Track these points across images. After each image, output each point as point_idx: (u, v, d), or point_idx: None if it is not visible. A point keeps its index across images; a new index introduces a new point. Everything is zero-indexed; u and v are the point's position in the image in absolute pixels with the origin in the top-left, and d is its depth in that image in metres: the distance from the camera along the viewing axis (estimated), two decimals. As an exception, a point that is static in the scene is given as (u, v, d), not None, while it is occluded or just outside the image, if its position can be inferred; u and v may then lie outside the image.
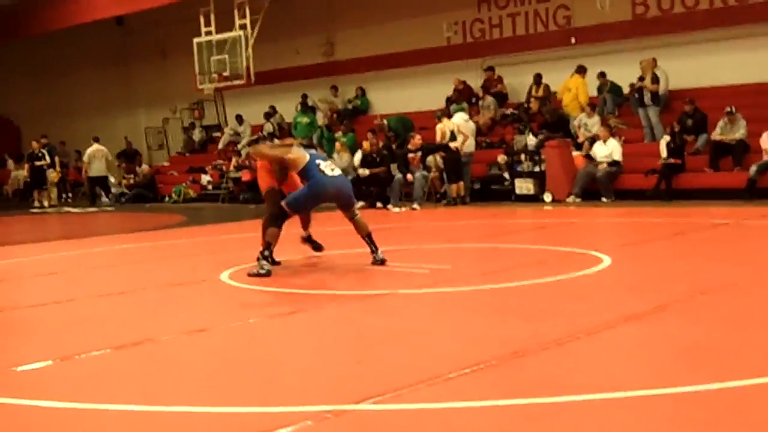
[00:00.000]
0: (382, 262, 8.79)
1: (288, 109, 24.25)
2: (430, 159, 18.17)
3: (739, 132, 15.91)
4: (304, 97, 23.89)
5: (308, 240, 9.77)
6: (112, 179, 25.91)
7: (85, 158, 24.91)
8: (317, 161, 8.70)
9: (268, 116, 24.55)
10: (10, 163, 28.49)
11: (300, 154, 8.74)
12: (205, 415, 4.12)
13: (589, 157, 17.11)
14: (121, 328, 6.50)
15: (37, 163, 24.39)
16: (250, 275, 8.30)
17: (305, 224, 9.59)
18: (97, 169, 24.82)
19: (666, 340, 5.29)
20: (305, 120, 22.96)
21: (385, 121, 19.71)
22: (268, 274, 8.27)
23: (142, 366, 5.28)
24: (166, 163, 27.60)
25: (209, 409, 4.19)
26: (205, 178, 24.14)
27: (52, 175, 24.80)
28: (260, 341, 5.92)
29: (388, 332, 5.84)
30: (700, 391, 4.09)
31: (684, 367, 4.62)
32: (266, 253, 8.48)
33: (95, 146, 25.01)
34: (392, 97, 22.84)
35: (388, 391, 4.21)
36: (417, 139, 17.78)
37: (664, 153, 16.74)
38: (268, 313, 6.66)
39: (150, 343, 5.78)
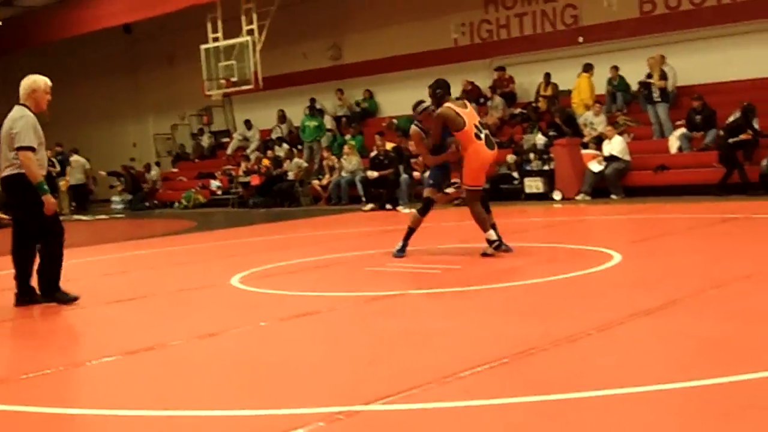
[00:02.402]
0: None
1: (296, 113, 24.27)
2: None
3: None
4: (312, 100, 23.90)
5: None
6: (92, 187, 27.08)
7: (67, 169, 25.62)
8: None
9: (280, 120, 24.59)
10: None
11: None
12: (217, 419, 4.12)
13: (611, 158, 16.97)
14: (132, 333, 6.50)
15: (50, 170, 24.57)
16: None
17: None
18: (77, 179, 25.96)
19: (678, 335, 5.27)
20: (313, 123, 23.00)
21: (395, 121, 19.68)
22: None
23: (154, 371, 5.28)
24: (174, 170, 27.65)
25: (221, 413, 4.19)
26: (214, 184, 24.18)
27: (62, 183, 24.92)
28: (271, 344, 5.91)
29: (400, 333, 5.84)
30: (715, 384, 4.08)
31: (697, 361, 4.61)
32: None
33: (75, 157, 26.30)
34: (400, 99, 22.72)
35: (400, 391, 4.20)
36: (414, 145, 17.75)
37: (673, 149, 16.72)
38: (280, 316, 6.66)
39: (161, 348, 5.78)
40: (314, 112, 23.52)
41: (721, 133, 15.79)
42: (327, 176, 20.96)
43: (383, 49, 22.85)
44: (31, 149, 7.45)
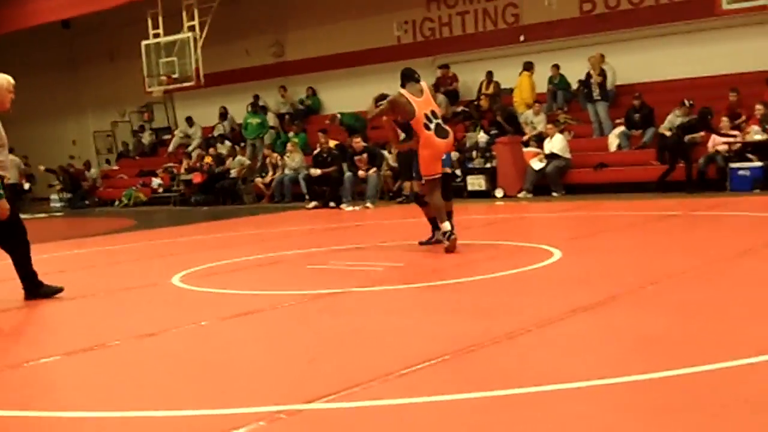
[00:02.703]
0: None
1: (239, 110, 24.11)
2: (389, 156, 18.24)
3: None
4: (256, 97, 23.77)
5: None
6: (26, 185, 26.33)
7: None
8: None
9: (222, 117, 24.46)
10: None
11: None
12: (157, 419, 4.08)
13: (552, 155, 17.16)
14: (71, 334, 6.42)
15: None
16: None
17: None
18: (12, 176, 24.94)
19: (616, 331, 5.34)
20: (256, 120, 22.89)
21: (338, 116, 19.67)
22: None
23: (94, 372, 5.21)
24: (115, 167, 27.30)
25: (161, 413, 4.14)
26: (155, 182, 23.92)
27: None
28: (213, 343, 5.87)
29: (342, 331, 5.84)
30: (652, 379, 4.13)
31: (634, 357, 4.67)
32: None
33: (11, 156, 25.01)
34: (344, 97, 22.77)
35: (341, 390, 4.20)
36: (358, 142, 17.81)
37: (612, 147, 16.95)
38: (221, 315, 6.61)
39: (101, 348, 5.70)
40: (257, 109, 23.41)
41: (667, 132, 16.02)
42: (270, 174, 20.86)
43: (326, 46, 22.82)
44: None
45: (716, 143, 15.45)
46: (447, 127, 9.45)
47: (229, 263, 9.65)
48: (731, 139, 15.28)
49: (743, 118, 15.67)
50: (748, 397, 3.81)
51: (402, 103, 9.17)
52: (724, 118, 15.64)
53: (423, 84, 9.47)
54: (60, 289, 7.87)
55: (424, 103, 9.23)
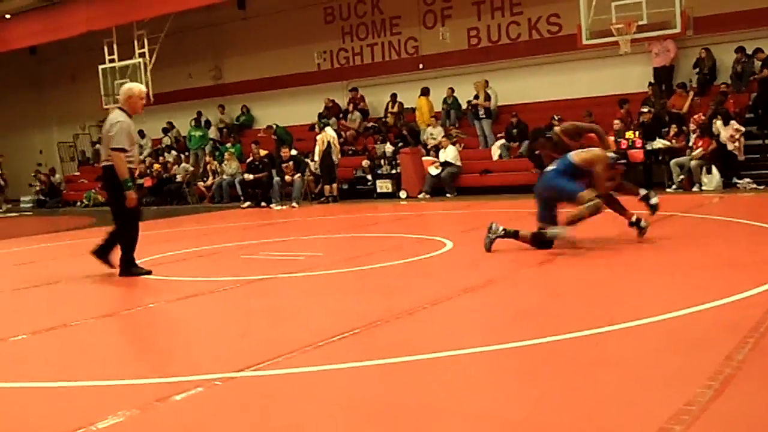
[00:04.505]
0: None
1: (184, 125, 23.72)
2: (312, 164, 18.15)
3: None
4: (199, 113, 23.42)
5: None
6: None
7: None
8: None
9: (165, 131, 24.08)
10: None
11: None
12: (112, 388, 3.97)
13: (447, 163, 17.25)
14: (37, 315, 6.21)
15: None
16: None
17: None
18: None
19: (498, 306, 5.42)
20: (199, 133, 22.62)
21: (274, 126, 19.59)
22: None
23: (56, 348, 5.05)
24: (77, 173, 26.55)
25: (115, 382, 4.04)
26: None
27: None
28: (159, 322, 5.76)
29: (268, 310, 5.78)
30: (525, 345, 4.20)
31: (513, 327, 4.74)
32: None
33: None
34: (273, 114, 22.59)
35: (268, 360, 4.16)
36: (286, 152, 17.73)
37: (495, 156, 17.17)
38: (167, 299, 6.48)
39: (63, 327, 5.53)
40: (199, 123, 23.10)
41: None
42: (210, 178, 20.57)
43: (258, 71, 22.64)
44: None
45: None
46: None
47: (175, 254, 9.47)
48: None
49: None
50: (606, 358, 3.91)
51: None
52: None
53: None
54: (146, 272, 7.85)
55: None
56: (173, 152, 22.87)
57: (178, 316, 5.92)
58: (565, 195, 7.60)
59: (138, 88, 7.77)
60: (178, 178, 21.30)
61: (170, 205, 20.77)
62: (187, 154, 22.55)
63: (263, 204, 17.40)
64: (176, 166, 21.83)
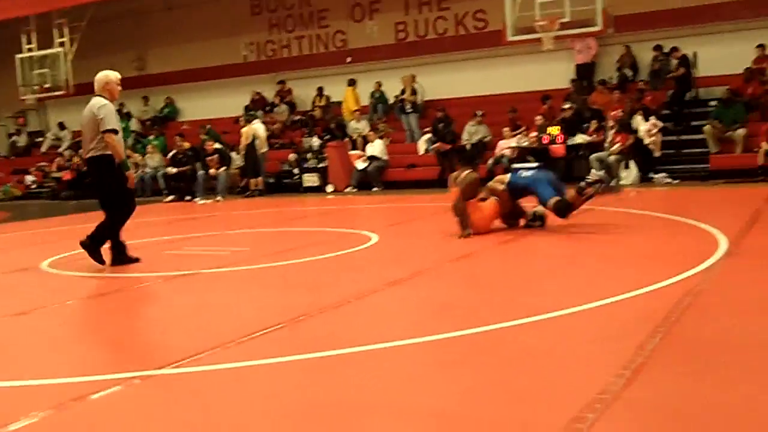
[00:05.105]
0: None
1: (105, 117, 23.12)
2: (236, 157, 17.95)
3: (484, 132, 16.78)
4: (121, 105, 22.85)
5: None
6: None
7: None
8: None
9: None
10: None
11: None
12: (26, 388, 3.86)
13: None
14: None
15: None
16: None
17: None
18: None
19: (421, 300, 5.47)
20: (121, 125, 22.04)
21: (208, 126, 19.31)
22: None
23: (-34, 347, 4.88)
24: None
25: (29, 382, 3.93)
26: (29, 179, 22.62)
27: None
28: (77, 320, 5.63)
29: (191, 306, 5.70)
30: (447, 338, 4.25)
31: (435, 320, 4.80)
32: None
33: None
34: (198, 106, 22.31)
35: (188, 356, 4.11)
36: (210, 145, 17.50)
37: (421, 151, 17.29)
38: (84, 295, 6.34)
39: (-26, 326, 5.35)
40: (122, 115, 22.52)
41: (465, 142, 16.56)
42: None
43: (183, 62, 22.26)
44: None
45: (502, 148, 16.03)
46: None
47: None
48: (514, 145, 15.93)
49: (523, 128, 16.33)
50: (525, 349, 3.99)
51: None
52: (505, 129, 16.29)
53: (465, 173, 8.55)
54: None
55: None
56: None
57: (96, 314, 5.79)
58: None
59: (114, 74, 7.82)
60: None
61: (90, 199, 20.23)
62: (108, 146, 22.01)
63: (187, 198, 17.15)
64: (97, 159, 21.32)
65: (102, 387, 3.70)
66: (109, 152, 7.48)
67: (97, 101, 7.57)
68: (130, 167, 7.74)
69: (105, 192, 7.66)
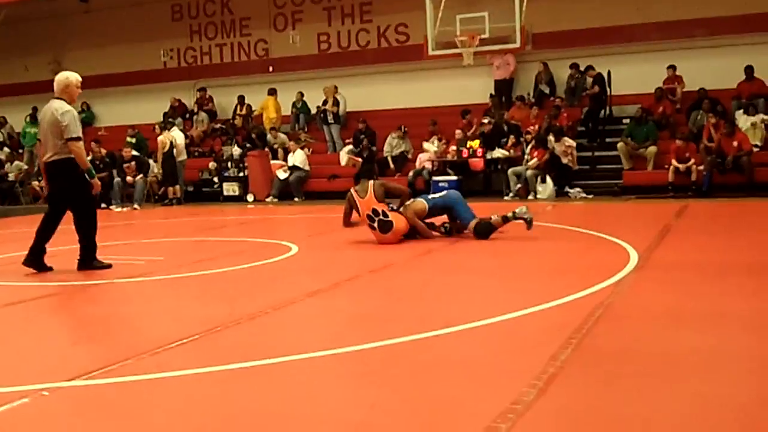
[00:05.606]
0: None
1: (18, 120, 22.40)
2: (155, 165, 17.62)
3: (406, 146, 16.93)
4: (35, 109, 22.15)
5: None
6: None
7: None
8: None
9: (2, 125, 22.67)
10: None
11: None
12: None
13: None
14: None
15: None
16: None
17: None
18: None
19: (338, 311, 5.46)
20: (34, 130, 21.30)
21: (136, 131, 18.89)
22: None
23: None
24: None
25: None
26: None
27: None
28: (-18, 330, 5.40)
29: (102, 317, 5.56)
30: (363, 349, 4.26)
31: (352, 331, 4.80)
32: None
33: None
34: (115, 112, 21.84)
35: (99, 368, 4.00)
36: (127, 152, 17.18)
37: (343, 161, 17.31)
38: (-8, 305, 6.09)
39: None
40: (35, 119, 21.84)
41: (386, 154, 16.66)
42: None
43: (101, 66, 21.67)
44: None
45: (422, 161, 16.19)
46: (390, 219, 8.62)
47: (3, 258, 8.93)
48: (433, 157, 16.12)
49: (444, 141, 16.53)
50: (439, 360, 4.02)
51: (351, 202, 8.91)
52: (425, 142, 16.48)
53: (369, 183, 8.81)
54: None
55: (366, 202, 8.68)
56: (6, 149, 21.59)
57: (3, 323, 5.58)
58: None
59: (74, 76, 7.58)
60: (11, 176, 20.14)
61: (2, 205, 19.57)
62: (21, 151, 21.36)
63: (103, 205, 16.69)
64: (9, 164, 20.63)
65: (8, 400, 3.57)
66: (71, 156, 7.29)
67: (59, 105, 7.35)
68: (95, 174, 7.64)
69: (66, 198, 7.46)
